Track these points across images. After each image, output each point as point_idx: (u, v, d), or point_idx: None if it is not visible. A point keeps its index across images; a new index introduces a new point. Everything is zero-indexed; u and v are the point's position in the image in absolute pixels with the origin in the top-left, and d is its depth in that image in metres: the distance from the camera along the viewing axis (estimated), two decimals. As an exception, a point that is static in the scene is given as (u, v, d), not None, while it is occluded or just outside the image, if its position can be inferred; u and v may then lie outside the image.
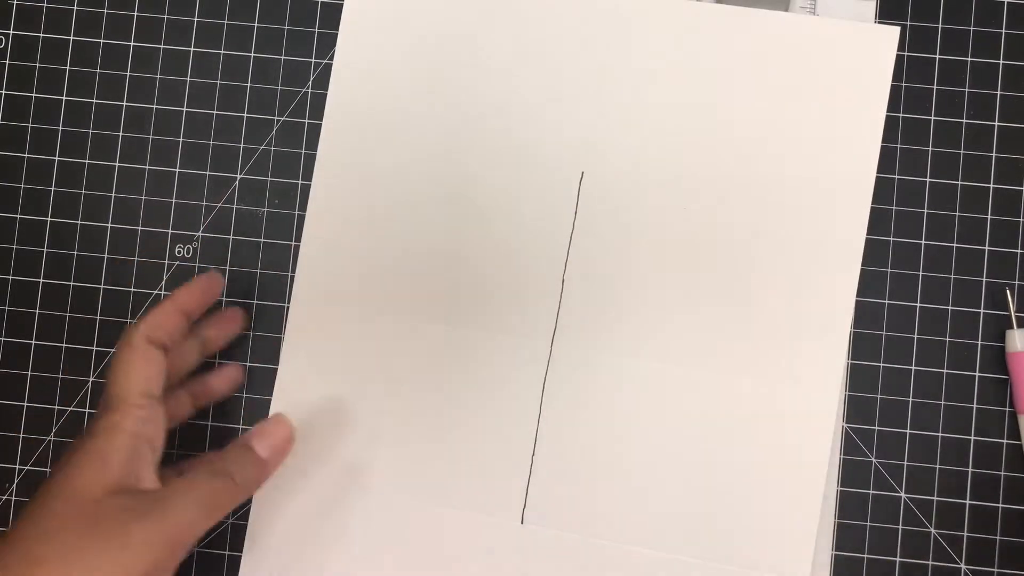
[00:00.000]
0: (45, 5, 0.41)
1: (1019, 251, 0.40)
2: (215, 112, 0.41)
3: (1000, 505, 0.39)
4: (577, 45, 0.40)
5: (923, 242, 0.40)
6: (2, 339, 0.41)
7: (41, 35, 0.41)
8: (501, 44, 0.40)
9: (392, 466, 0.39)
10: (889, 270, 0.40)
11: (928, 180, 0.40)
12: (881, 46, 0.40)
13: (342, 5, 0.41)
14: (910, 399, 0.39)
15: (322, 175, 0.40)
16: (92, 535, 0.30)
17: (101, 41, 0.41)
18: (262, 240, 0.41)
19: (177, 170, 0.41)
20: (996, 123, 0.40)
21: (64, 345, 0.41)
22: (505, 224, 0.40)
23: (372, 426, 0.39)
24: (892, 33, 0.40)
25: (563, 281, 0.40)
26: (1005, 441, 0.39)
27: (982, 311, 0.40)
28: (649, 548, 0.38)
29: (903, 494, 0.39)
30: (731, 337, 0.39)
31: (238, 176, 0.41)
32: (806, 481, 0.38)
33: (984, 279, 0.40)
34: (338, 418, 0.39)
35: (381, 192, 0.40)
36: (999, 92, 0.40)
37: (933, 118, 0.40)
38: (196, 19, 0.41)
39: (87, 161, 0.41)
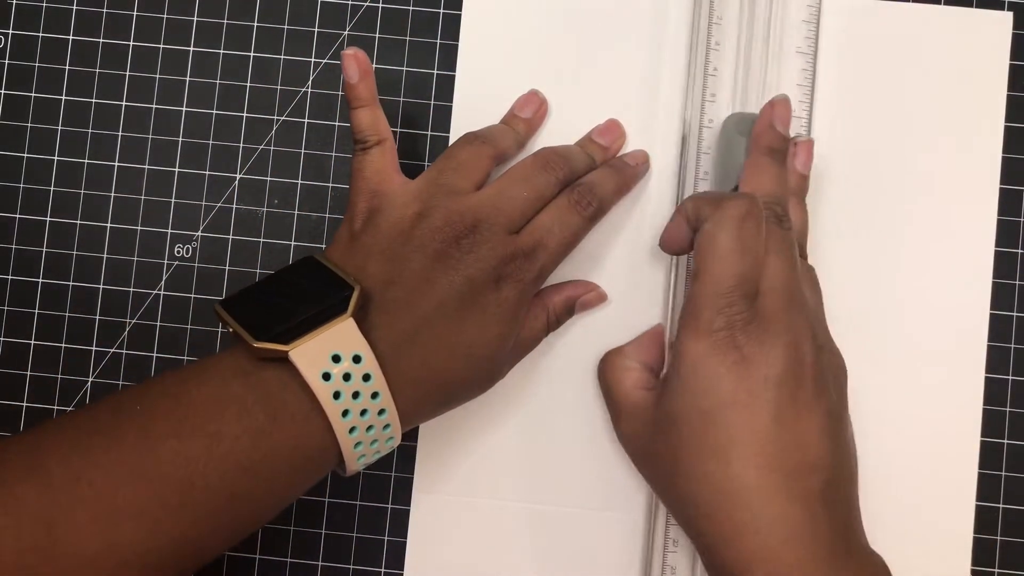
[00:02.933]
0: (45, 5, 0.41)
1: None
2: (215, 112, 0.41)
3: (1001, 505, 0.39)
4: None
5: None
6: (1, 339, 0.41)
7: (40, 35, 0.41)
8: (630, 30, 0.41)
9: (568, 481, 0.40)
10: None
11: None
12: (996, 30, 0.40)
13: (342, 5, 0.41)
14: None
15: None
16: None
17: (101, 41, 0.41)
18: (262, 240, 0.41)
19: (176, 170, 0.41)
20: None
21: (63, 345, 0.41)
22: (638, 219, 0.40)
23: (535, 439, 0.40)
24: (1005, 17, 0.40)
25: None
26: (1006, 441, 0.39)
27: None
28: None
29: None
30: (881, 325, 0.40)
31: (237, 176, 0.41)
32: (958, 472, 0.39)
33: None
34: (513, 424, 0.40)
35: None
36: None
37: (934, 118, 0.40)
38: (196, 19, 0.41)
39: (86, 161, 0.41)
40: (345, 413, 0.31)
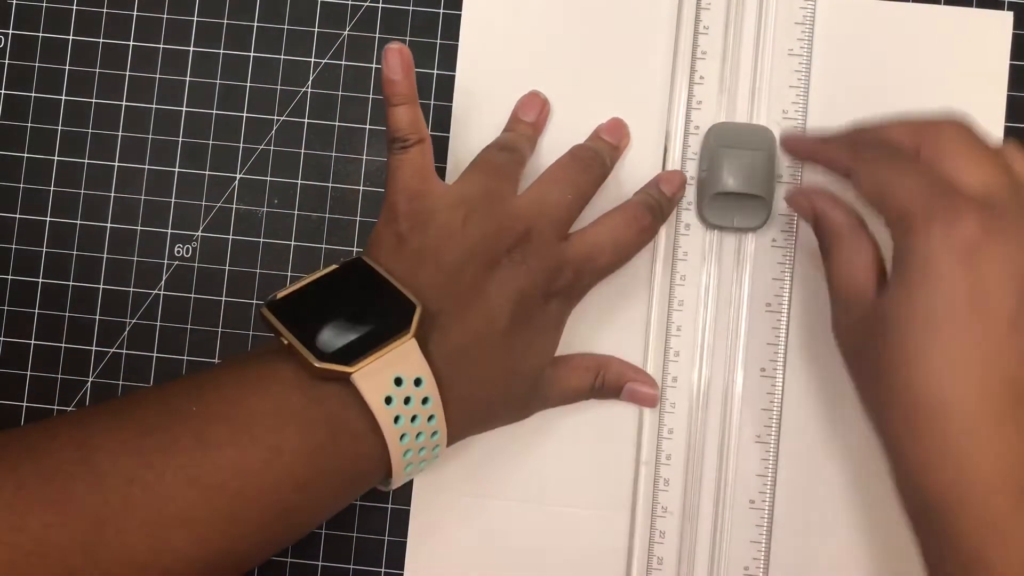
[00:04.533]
0: (45, 5, 0.41)
1: None
2: (215, 112, 0.41)
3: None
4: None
5: None
6: (1, 339, 0.41)
7: (40, 35, 0.41)
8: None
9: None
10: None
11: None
12: (996, 30, 0.40)
13: (342, 5, 0.41)
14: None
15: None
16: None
17: (101, 41, 0.41)
18: (261, 240, 0.41)
19: (176, 170, 0.41)
20: None
21: (63, 345, 0.41)
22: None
23: (534, 439, 0.40)
24: (1005, 17, 0.40)
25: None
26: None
27: None
28: None
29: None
30: None
31: (237, 176, 0.41)
32: None
33: None
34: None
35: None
36: None
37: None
38: (195, 19, 0.41)
39: (86, 161, 0.41)
40: (402, 437, 0.30)
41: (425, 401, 0.31)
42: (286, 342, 0.30)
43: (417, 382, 0.30)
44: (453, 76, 0.41)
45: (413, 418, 0.30)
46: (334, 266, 0.33)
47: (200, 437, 0.29)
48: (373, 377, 0.30)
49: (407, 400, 0.30)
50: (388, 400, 0.30)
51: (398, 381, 0.30)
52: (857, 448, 0.39)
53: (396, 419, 0.30)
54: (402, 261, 0.33)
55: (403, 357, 0.30)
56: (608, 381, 0.38)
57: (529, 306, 0.33)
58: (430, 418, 0.31)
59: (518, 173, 0.36)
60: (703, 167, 0.39)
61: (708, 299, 0.40)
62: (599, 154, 0.37)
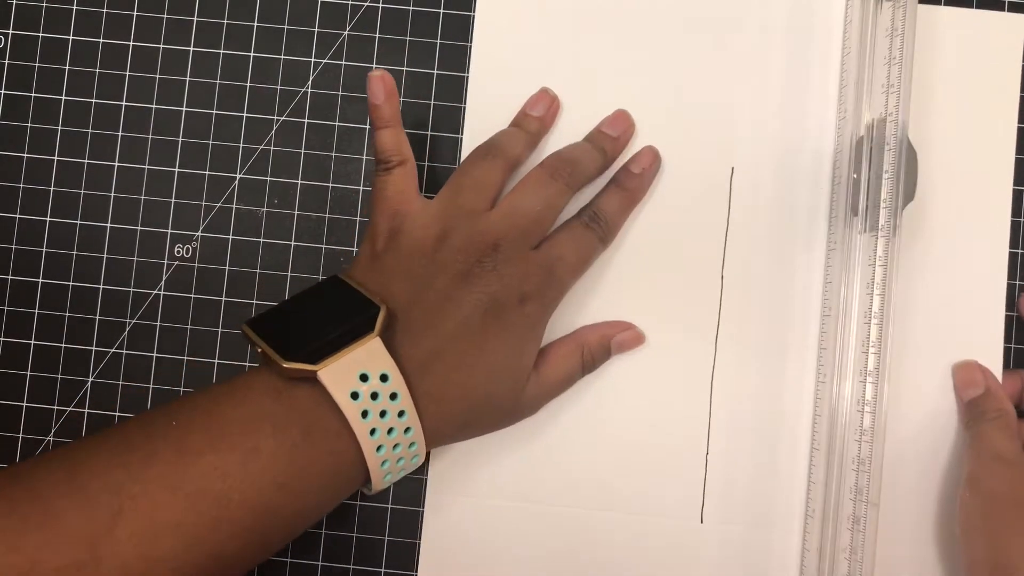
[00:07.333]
0: (45, 5, 0.41)
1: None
2: (215, 112, 0.41)
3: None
4: (717, 42, 0.40)
5: None
6: (1, 339, 0.41)
7: (40, 35, 0.41)
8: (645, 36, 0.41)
9: (568, 479, 0.39)
10: None
11: None
12: (1009, 32, 0.40)
13: (342, 5, 0.41)
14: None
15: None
16: None
17: (100, 41, 0.41)
18: (261, 240, 0.41)
19: (176, 170, 0.41)
20: None
21: (63, 345, 0.41)
22: (661, 217, 0.40)
23: (547, 441, 0.40)
24: (1019, 20, 0.40)
25: (722, 278, 0.39)
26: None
27: None
28: None
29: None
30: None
31: (237, 176, 0.41)
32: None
33: None
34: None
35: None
36: None
37: None
38: (196, 19, 0.41)
39: (86, 161, 0.41)
40: (373, 432, 0.31)
41: (394, 397, 0.32)
42: (259, 350, 0.32)
43: (383, 378, 0.32)
44: (453, 76, 0.40)
45: (383, 413, 0.32)
46: (311, 286, 0.35)
47: (180, 448, 0.30)
48: (338, 374, 0.31)
49: (374, 395, 0.31)
50: (355, 396, 0.31)
51: (364, 377, 0.31)
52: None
53: (364, 414, 0.31)
54: (376, 276, 0.35)
55: (368, 354, 0.32)
56: (596, 353, 0.38)
57: (502, 309, 0.34)
58: (400, 414, 0.32)
59: (499, 179, 0.36)
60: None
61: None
62: (571, 161, 0.37)
